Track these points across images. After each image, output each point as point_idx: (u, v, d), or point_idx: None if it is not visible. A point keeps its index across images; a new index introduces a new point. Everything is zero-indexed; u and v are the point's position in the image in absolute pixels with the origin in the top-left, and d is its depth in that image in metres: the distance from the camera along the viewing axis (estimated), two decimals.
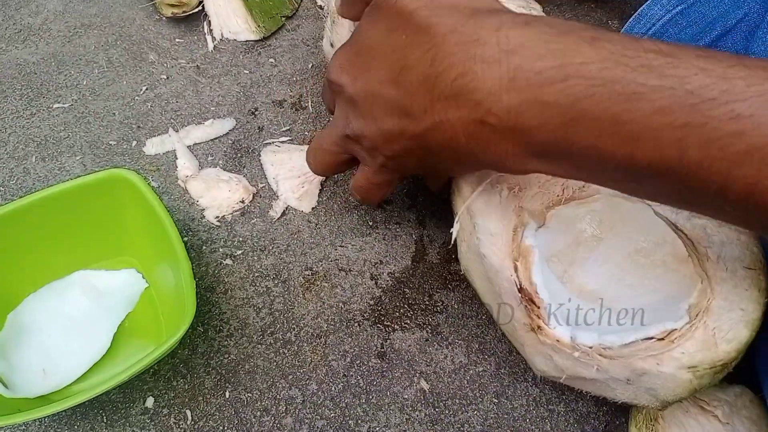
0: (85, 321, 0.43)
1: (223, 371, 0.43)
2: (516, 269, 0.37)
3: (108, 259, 0.46)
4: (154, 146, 0.53)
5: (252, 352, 0.44)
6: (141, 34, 0.60)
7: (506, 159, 0.31)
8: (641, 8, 0.50)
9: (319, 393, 0.43)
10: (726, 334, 0.33)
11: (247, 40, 0.60)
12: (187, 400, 0.42)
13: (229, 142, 0.54)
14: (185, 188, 0.51)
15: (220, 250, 0.48)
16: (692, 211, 0.31)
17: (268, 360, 0.44)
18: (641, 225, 0.41)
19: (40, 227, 0.42)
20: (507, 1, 0.46)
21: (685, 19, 0.48)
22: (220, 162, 0.52)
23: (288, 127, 0.55)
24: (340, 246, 0.49)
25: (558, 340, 0.35)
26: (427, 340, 0.45)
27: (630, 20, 0.51)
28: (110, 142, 0.53)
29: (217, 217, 0.49)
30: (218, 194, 0.50)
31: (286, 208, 0.50)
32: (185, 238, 0.48)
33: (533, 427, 0.42)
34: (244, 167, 0.52)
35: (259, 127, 0.54)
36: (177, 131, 0.53)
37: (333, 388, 0.43)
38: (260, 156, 0.53)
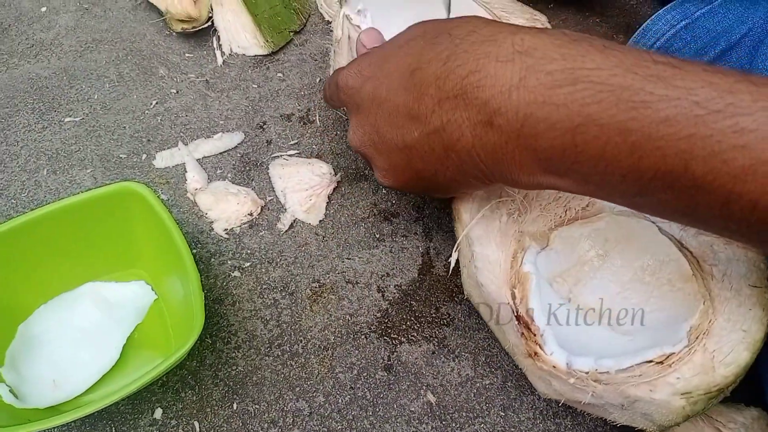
0: (95, 332, 0.44)
1: (231, 383, 0.43)
2: (513, 297, 0.37)
3: (118, 271, 0.46)
4: (163, 159, 0.53)
5: (260, 364, 0.44)
6: (151, 49, 0.61)
7: (516, 170, 0.31)
8: (646, 23, 0.51)
9: (326, 405, 0.43)
10: (725, 357, 0.33)
11: (255, 55, 0.60)
12: (195, 411, 0.42)
13: (238, 155, 0.54)
14: (194, 201, 0.51)
15: (229, 262, 0.49)
16: (698, 228, 0.31)
17: (276, 372, 0.44)
18: (646, 243, 0.41)
19: (51, 239, 0.43)
20: (514, 12, 0.46)
21: (689, 34, 0.48)
22: (229, 175, 0.53)
23: (296, 141, 0.55)
24: (347, 258, 0.49)
25: (554, 366, 0.35)
26: (433, 352, 0.45)
27: (635, 35, 0.52)
28: (120, 156, 0.54)
29: (226, 229, 0.50)
30: (227, 207, 0.50)
31: (294, 220, 0.51)
32: (194, 251, 0.49)
33: None
34: (252, 180, 0.53)
35: (267, 141, 0.55)
36: (186, 145, 0.54)
37: (340, 401, 0.43)
38: (268, 169, 0.53)
